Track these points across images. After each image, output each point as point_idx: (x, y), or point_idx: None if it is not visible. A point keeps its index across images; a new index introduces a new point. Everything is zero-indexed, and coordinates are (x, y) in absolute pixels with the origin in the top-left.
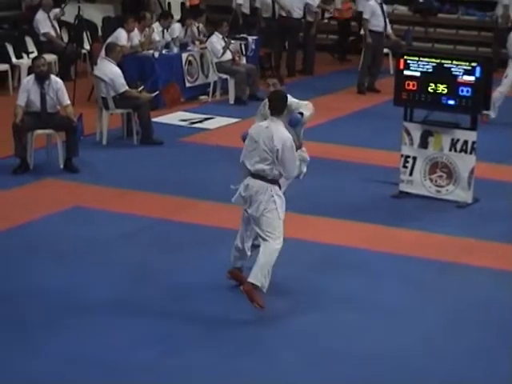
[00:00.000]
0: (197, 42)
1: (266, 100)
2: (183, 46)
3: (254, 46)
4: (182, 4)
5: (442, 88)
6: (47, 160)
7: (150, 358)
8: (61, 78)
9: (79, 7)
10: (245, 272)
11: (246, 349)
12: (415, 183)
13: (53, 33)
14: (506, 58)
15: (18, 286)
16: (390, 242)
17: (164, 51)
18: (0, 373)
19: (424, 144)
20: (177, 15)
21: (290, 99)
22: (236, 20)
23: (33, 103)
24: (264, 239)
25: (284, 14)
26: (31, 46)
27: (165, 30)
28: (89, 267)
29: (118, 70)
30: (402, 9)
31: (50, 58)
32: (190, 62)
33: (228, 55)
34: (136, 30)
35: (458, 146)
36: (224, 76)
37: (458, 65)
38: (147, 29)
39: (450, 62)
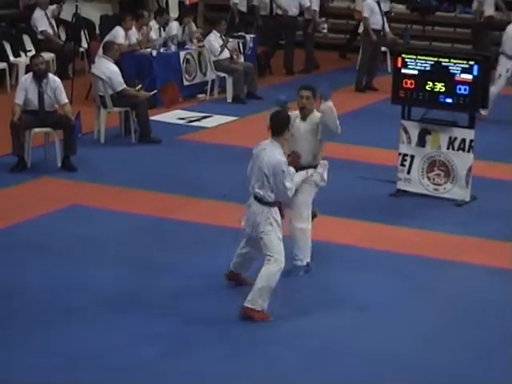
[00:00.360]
0: (195, 41)
1: (296, 114)
2: (181, 45)
3: (251, 45)
4: (180, 2)
5: (439, 86)
6: (45, 158)
7: (149, 357)
8: (59, 76)
9: (77, 5)
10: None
11: (245, 347)
12: (413, 181)
13: (50, 31)
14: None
15: (17, 284)
16: (388, 241)
17: (162, 49)
18: None
19: (422, 142)
20: (175, 13)
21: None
22: (233, 18)
23: (31, 101)
24: (266, 263)
25: (280, 12)
26: (29, 45)
27: (161, 28)
28: (87, 265)
29: (115, 69)
30: (400, 7)
31: (48, 56)
32: (187, 61)
33: (226, 53)
34: (134, 28)
35: (456, 144)
36: (222, 74)
37: (455, 63)
38: (145, 27)
39: (447, 60)
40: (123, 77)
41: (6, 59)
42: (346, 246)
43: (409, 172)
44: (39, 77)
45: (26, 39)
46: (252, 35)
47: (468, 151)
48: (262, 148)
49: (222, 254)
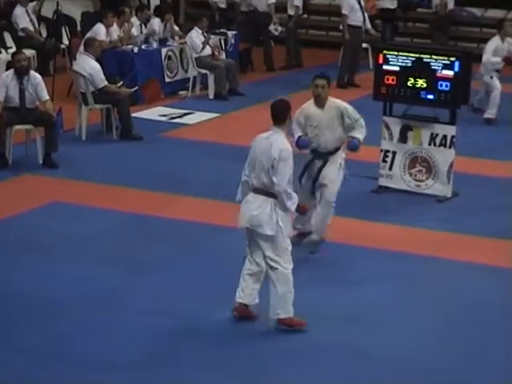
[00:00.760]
0: (176, 37)
1: (307, 107)
2: (163, 41)
3: (233, 41)
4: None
5: (421, 82)
6: (26, 155)
7: (131, 355)
8: (40, 73)
9: (58, 2)
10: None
11: (231, 343)
12: (395, 178)
13: (31, 28)
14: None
15: None
16: (370, 237)
17: (143, 46)
18: None
19: (403, 138)
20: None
21: (346, 105)
22: (213, 15)
23: (12, 98)
24: (272, 267)
25: (251, 8)
26: (10, 41)
27: (143, 25)
28: (69, 263)
29: (97, 65)
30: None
31: (29, 53)
32: (169, 57)
33: (207, 50)
34: (115, 24)
35: (438, 141)
36: (203, 71)
37: (437, 59)
38: (126, 24)
39: (429, 56)
40: (104, 74)
41: None
42: (327, 242)
43: (391, 168)
44: (20, 74)
45: (7, 36)
46: (234, 32)
47: (449, 147)
48: (263, 137)
49: (206, 252)
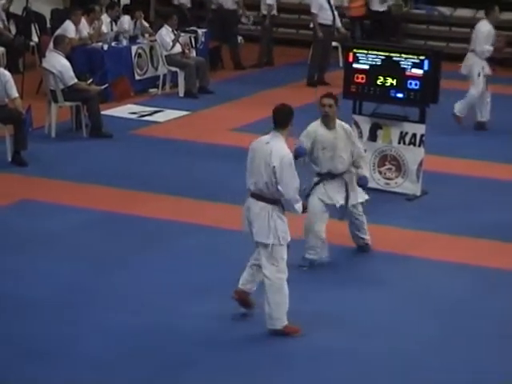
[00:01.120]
0: (146, 35)
1: (313, 130)
2: (133, 39)
3: (203, 39)
4: None
5: (390, 81)
6: None
7: (101, 352)
8: (9, 70)
9: None
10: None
11: (208, 337)
12: None
13: (0, 25)
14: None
15: None
16: (340, 236)
17: (113, 44)
18: None
19: (373, 137)
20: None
21: (349, 128)
22: (181, 15)
23: None
24: (264, 275)
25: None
26: None
27: (113, 22)
28: (39, 261)
29: (66, 63)
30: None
31: None
32: (139, 55)
33: (178, 48)
34: (85, 22)
35: (407, 139)
36: (174, 69)
37: (406, 58)
38: (96, 21)
39: (398, 55)
40: (74, 71)
41: None
42: (296, 241)
43: None
44: None
45: None
46: (203, 30)
47: (419, 146)
48: (263, 142)
49: (175, 249)
